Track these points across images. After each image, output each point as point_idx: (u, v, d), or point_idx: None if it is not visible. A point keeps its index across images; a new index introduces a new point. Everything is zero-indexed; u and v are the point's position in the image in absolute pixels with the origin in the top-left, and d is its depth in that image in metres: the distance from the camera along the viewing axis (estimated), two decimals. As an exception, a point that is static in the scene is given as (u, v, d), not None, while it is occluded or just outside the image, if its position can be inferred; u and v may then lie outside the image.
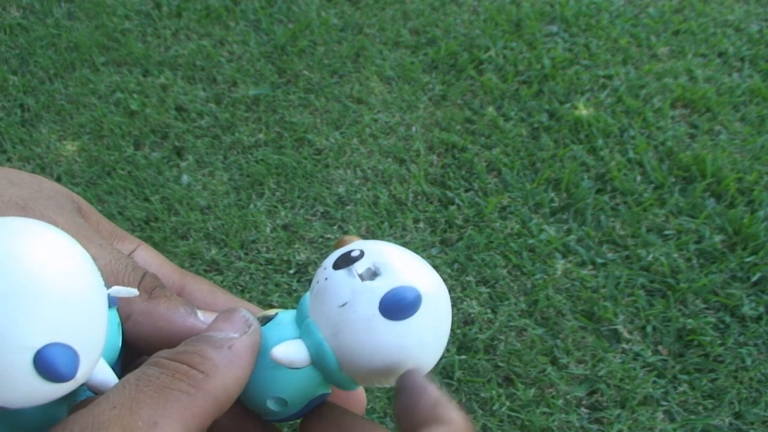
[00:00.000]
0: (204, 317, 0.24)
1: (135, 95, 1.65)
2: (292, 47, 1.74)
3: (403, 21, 1.80)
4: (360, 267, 0.22)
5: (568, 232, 1.34)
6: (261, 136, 1.54)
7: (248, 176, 1.47)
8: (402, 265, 0.22)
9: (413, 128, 1.54)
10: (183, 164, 1.50)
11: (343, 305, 0.21)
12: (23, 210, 0.23)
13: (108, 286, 0.22)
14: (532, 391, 1.12)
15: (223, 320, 0.23)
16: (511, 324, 1.20)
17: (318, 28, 1.78)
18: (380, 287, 0.21)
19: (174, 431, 0.19)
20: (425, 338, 0.22)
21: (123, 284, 0.23)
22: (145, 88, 1.67)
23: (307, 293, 0.25)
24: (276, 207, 1.41)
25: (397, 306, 0.20)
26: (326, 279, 0.23)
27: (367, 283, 0.22)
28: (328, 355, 0.22)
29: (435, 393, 0.22)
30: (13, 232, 0.20)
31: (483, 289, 1.25)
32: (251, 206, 1.41)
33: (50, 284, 0.19)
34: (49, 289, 0.19)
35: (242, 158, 1.50)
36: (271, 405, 0.24)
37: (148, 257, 0.28)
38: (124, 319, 0.23)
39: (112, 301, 0.23)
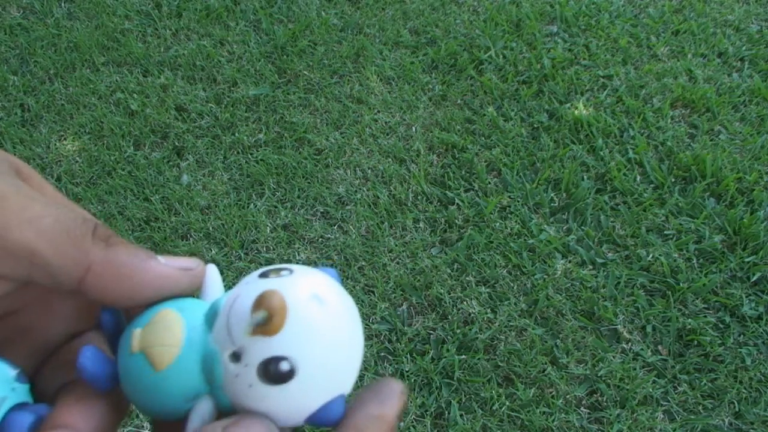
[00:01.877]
0: (165, 260, 0.23)
1: (135, 95, 1.65)
2: (292, 47, 1.74)
3: (403, 21, 1.80)
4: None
5: (568, 232, 1.34)
6: (261, 136, 1.54)
7: (248, 176, 1.47)
8: (297, 327, 0.21)
9: (413, 128, 1.54)
10: (183, 164, 1.50)
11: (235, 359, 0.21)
12: None
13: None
14: (532, 391, 1.12)
15: None
16: (511, 324, 1.20)
17: (318, 28, 1.78)
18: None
19: None
20: (295, 406, 0.21)
21: (75, 238, 0.21)
22: (145, 88, 1.67)
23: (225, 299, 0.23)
24: (276, 207, 1.41)
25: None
26: (230, 310, 0.22)
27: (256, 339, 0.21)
28: (222, 401, 0.22)
29: (387, 411, 0.22)
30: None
31: (483, 289, 1.25)
32: (251, 206, 1.41)
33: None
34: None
35: (242, 158, 1.50)
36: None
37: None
38: (83, 272, 0.21)
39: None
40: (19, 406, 0.23)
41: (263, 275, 0.22)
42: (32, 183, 0.24)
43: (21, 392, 0.23)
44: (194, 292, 0.24)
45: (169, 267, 0.22)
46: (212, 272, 0.24)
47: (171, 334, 0.21)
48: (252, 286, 0.21)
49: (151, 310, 0.22)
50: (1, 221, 0.21)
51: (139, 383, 0.21)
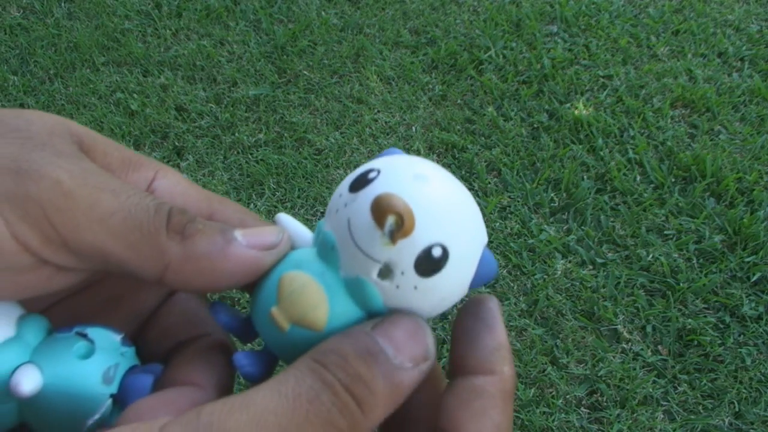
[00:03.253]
0: (246, 239, 0.21)
1: (135, 95, 1.65)
2: (292, 47, 1.74)
3: (403, 21, 1.80)
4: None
5: (568, 232, 1.34)
6: (261, 136, 1.54)
7: (248, 176, 1.47)
8: (425, 212, 0.21)
9: (413, 128, 1.54)
10: (183, 164, 1.50)
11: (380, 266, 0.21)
12: (17, 175, 0.19)
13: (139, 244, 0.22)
14: (532, 391, 1.12)
15: (406, 336, 0.20)
16: (511, 324, 1.20)
17: (318, 28, 1.78)
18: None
19: None
20: (460, 279, 0.22)
21: (149, 235, 0.20)
22: (145, 88, 1.67)
23: (323, 222, 0.23)
24: (276, 207, 1.41)
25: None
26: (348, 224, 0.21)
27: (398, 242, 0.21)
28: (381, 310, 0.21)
29: (500, 336, 0.22)
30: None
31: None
32: (251, 206, 1.41)
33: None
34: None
35: (242, 158, 1.50)
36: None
37: (170, 185, 0.25)
38: (162, 270, 0.21)
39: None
40: (132, 369, 0.23)
41: (354, 188, 0.21)
42: (96, 154, 0.23)
43: (129, 356, 0.23)
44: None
45: (251, 250, 0.21)
46: (288, 222, 0.24)
47: (311, 295, 0.21)
48: (356, 203, 0.21)
49: (269, 282, 0.22)
50: (70, 222, 0.20)
51: (306, 347, 0.21)
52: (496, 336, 0.22)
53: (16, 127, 0.21)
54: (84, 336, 0.22)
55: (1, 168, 0.19)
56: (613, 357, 1.16)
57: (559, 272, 1.27)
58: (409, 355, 0.20)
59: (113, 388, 0.22)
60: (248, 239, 0.22)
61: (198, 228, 0.21)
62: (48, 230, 0.19)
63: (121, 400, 0.22)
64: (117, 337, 0.23)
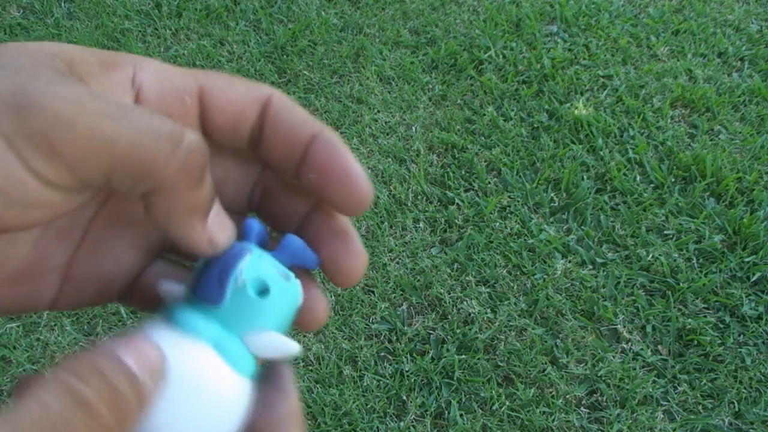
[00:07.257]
0: (212, 222, 0.23)
1: (135, 95, 1.65)
2: (292, 47, 1.74)
3: (403, 21, 1.80)
4: None
5: (568, 232, 1.34)
6: (261, 136, 1.54)
7: (248, 176, 1.47)
8: None
9: (413, 128, 1.54)
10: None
11: None
12: (19, 111, 0.19)
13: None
14: (532, 390, 1.12)
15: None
16: (511, 324, 1.20)
17: (318, 28, 1.78)
18: None
19: None
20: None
21: (151, 163, 0.21)
22: (145, 88, 1.67)
23: None
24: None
25: None
26: None
27: None
28: None
29: (293, 401, 0.24)
30: None
31: (483, 289, 1.25)
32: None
33: None
34: None
35: (242, 158, 1.50)
36: None
37: (152, 77, 0.24)
38: (143, 200, 0.22)
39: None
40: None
41: None
42: (76, 65, 0.22)
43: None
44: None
45: (203, 238, 0.23)
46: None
47: None
48: None
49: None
50: (76, 151, 0.20)
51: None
52: (288, 403, 0.24)
53: (1, 64, 0.21)
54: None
55: (3, 105, 0.19)
56: (613, 357, 1.16)
57: (559, 272, 1.27)
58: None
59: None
60: (213, 223, 0.23)
61: (197, 192, 0.22)
62: (57, 162, 0.20)
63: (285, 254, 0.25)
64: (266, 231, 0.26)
